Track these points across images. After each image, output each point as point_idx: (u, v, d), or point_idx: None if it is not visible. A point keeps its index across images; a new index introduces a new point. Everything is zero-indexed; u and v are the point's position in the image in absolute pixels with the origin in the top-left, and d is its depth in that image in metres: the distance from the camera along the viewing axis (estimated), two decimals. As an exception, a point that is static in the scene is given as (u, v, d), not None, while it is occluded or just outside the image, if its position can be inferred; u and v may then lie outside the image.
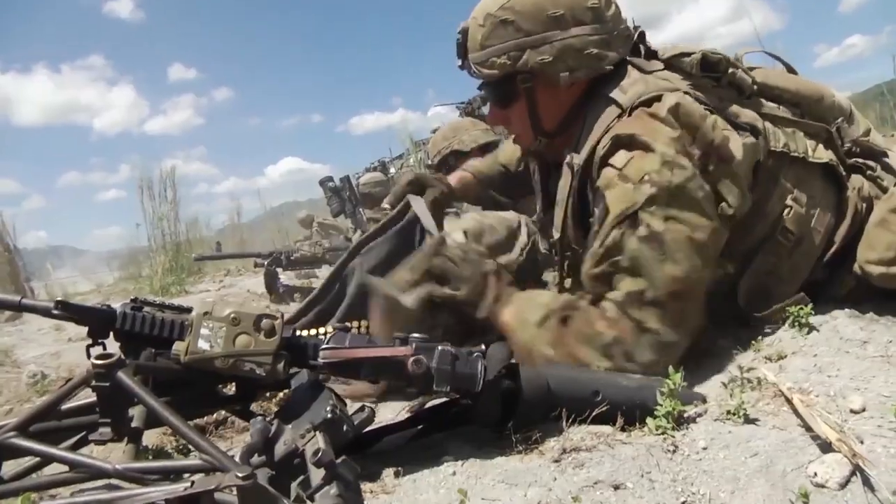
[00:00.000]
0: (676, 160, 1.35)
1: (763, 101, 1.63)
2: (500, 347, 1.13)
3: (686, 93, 1.47)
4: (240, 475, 0.88)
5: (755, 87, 1.59)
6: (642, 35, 1.65)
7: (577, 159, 1.52)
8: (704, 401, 1.18)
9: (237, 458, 0.96)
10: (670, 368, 1.10)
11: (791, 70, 1.81)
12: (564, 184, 1.58)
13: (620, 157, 1.40)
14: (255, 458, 1.02)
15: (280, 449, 1.03)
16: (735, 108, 1.54)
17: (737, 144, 1.43)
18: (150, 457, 1.26)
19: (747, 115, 1.53)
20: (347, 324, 1.84)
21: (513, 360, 1.14)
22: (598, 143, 1.47)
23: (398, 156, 7.58)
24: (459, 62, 1.68)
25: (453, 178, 2.13)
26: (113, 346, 1.13)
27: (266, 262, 3.24)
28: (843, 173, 1.61)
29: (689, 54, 1.54)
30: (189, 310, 1.18)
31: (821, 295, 1.56)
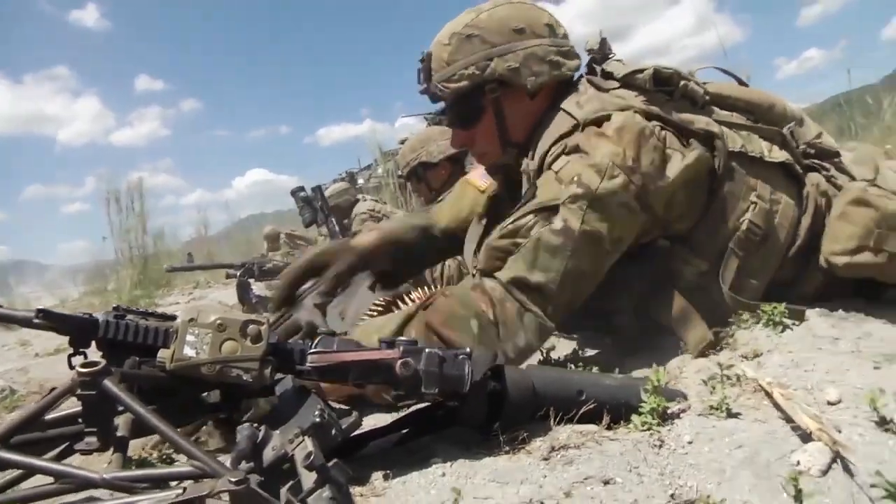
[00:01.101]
0: (609, 171, 1.43)
1: (716, 109, 1.71)
2: (484, 351, 1.14)
3: (639, 111, 1.53)
4: (233, 480, 0.88)
5: (707, 97, 1.68)
6: (596, 59, 1.75)
7: (533, 165, 1.61)
8: (685, 398, 1.20)
9: (230, 461, 0.96)
10: (654, 366, 1.12)
11: (742, 83, 1.89)
12: (524, 191, 1.63)
13: (560, 162, 1.51)
14: (244, 465, 1.02)
15: (269, 454, 1.03)
16: (689, 116, 1.60)
17: (676, 163, 1.51)
18: (133, 467, 1.24)
19: (701, 121, 1.59)
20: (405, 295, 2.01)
21: (499, 362, 1.15)
22: (548, 150, 1.56)
23: (366, 166, 7.60)
24: (422, 86, 1.75)
25: (364, 241, 1.88)
26: (94, 356, 1.13)
27: (238, 273, 3.22)
28: (801, 171, 1.68)
29: (641, 71, 1.61)
30: (173, 317, 1.17)
31: (791, 294, 1.61)
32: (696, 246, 1.58)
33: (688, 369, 1.44)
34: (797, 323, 1.48)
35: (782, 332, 1.46)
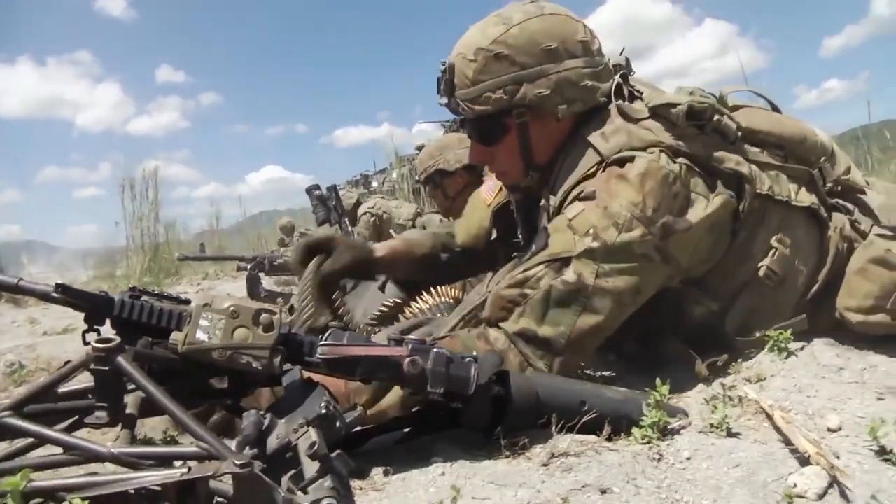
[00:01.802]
0: (626, 223, 1.37)
1: (747, 146, 1.63)
2: (491, 355, 1.16)
3: (666, 149, 1.46)
4: (237, 463, 0.89)
5: (740, 132, 1.58)
6: (624, 75, 1.65)
7: (554, 202, 1.54)
8: (686, 415, 1.21)
9: (235, 444, 0.98)
10: (657, 380, 1.13)
11: (775, 109, 1.85)
12: (542, 225, 1.58)
13: (575, 208, 1.44)
14: (248, 451, 1.04)
15: (273, 442, 1.04)
16: (719, 153, 1.53)
17: (699, 210, 1.44)
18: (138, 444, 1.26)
19: (731, 160, 1.53)
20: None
21: (503, 367, 1.17)
22: (571, 189, 1.50)
23: (381, 170, 7.63)
24: (444, 99, 1.66)
25: (383, 248, 1.93)
26: (108, 333, 1.15)
27: (249, 267, 3.22)
28: (826, 215, 1.64)
29: (675, 105, 1.50)
30: (187, 301, 1.19)
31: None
32: (709, 288, 1.54)
33: (691, 389, 1.45)
34: (802, 349, 1.49)
35: (787, 358, 1.46)
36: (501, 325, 1.38)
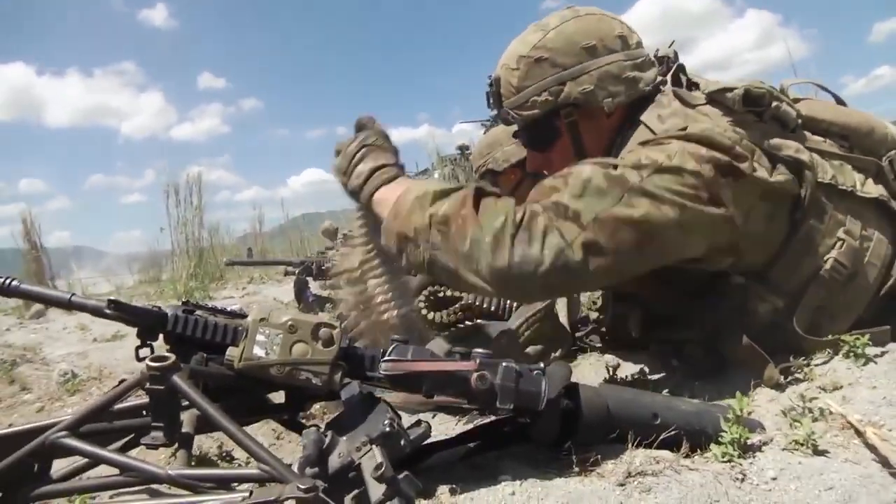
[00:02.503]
0: (679, 155, 1.33)
1: (808, 134, 1.58)
2: (560, 367, 1.11)
3: (724, 131, 1.41)
4: (301, 487, 0.86)
5: (800, 120, 1.53)
6: (681, 66, 1.64)
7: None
8: (764, 429, 1.14)
9: (297, 466, 0.94)
10: (737, 394, 1.07)
11: (840, 102, 1.78)
12: None
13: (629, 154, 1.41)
14: (309, 470, 1.00)
15: (335, 461, 1.01)
16: (777, 141, 1.46)
17: (760, 174, 1.38)
18: (193, 464, 1.24)
19: (790, 147, 1.46)
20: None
21: (573, 381, 1.11)
22: None
23: (423, 171, 7.59)
24: (493, 112, 1.72)
25: None
26: (160, 349, 1.13)
27: (297, 271, 3.20)
28: (894, 207, 1.56)
29: (731, 89, 1.46)
30: (242, 315, 1.16)
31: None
32: (773, 282, 1.47)
33: (759, 398, 1.38)
34: (881, 355, 1.40)
35: (864, 364, 1.38)
36: (541, 201, 1.34)
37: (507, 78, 1.62)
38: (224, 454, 1.34)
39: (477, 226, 1.29)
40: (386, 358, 1.05)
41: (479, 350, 1.04)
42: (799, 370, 1.44)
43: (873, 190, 1.55)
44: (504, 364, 1.02)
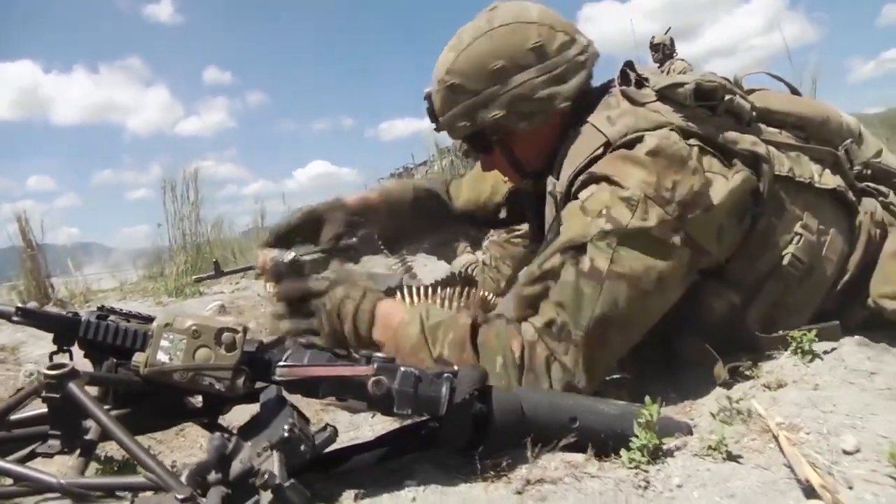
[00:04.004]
0: (642, 204, 1.28)
1: (763, 126, 1.55)
2: (471, 370, 1.08)
3: (676, 129, 1.38)
4: (179, 497, 0.85)
5: (754, 112, 1.52)
6: (628, 62, 1.59)
7: (559, 187, 1.46)
8: (690, 431, 1.11)
9: (185, 475, 0.93)
10: (647, 398, 1.03)
11: (795, 92, 1.76)
12: (549, 212, 1.53)
13: (586, 192, 1.36)
14: (213, 476, 0.98)
15: (236, 467, 0.99)
16: (732, 135, 1.44)
17: (719, 188, 1.35)
18: (115, 469, 1.23)
19: (746, 140, 1.44)
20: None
21: (488, 383, 1.08)
22: (578, 173, 1.40)
23: (422, 162, 7.57)
24: (434, 126, 1.66)
25: (354, 197, 1.84)
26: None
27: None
28: (853, 199, 1.54)
29: (682, 84, 1.44)
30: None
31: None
32: (730, 278, 1.44)
33: (709, 397, 1.34)
34: (829, 351, 1.36)
35: (811, 361, 1.34)
36: (530, 319, 1.31)
37: (434, 99, 1.60)
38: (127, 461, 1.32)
39: (490, 359, 1.28)
40: (282, 363, 1.03)
41: (379, 354, 1.01)
42: (748, 369, 1.40)
43: (830, 181, 1.52)
44: (403, 368, 1.00)
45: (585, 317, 1.26)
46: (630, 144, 1.36)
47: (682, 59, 4.93)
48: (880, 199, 1.57)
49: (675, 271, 1.32)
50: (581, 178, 1.39)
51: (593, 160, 1.39)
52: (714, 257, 1.38)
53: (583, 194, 1.36)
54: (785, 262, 1.44)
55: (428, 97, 1.61)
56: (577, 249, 1.29)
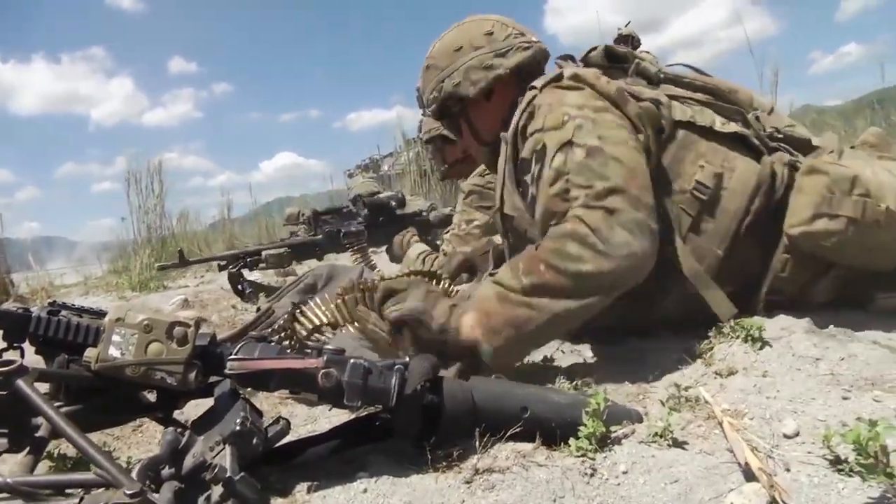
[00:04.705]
0: (588, 102, 1.55)
1: (671, 87, 1.74)
2: (422, 360, 1.09)
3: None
4: (128, 493, 0.85)
5: (662, 75, 1.76)
6: (568, 55, 1.90)
7: (507, 134, 1.71)
8: (640, 419, 1.13)
9: (136, 471, 0.93)
10: (595, 387, 1.05)
11: (706, 75, 1.91)
12: (501, 158, 1.75)
13: (538, 121, 1.59)
14: (165, 471, 0.99)
15: (189, 462, 0.99)
16: (638, 88, 1.67)
17: (632, 104, 1.58)
18: (68, 466, 1.22)
19: (648, 92, 1.65)
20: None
21: (440, 374, 1.10)
22: (520, 116, 1.66)
23: (389, 153, 7.56)
24: (422, 111, 2.14)
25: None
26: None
27: (228, 266, 3.07)
28: (758, 143, 1.65)
29: (595, 48, 1.81)
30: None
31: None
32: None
33: (660, 383, 1.37)
34: (779, 338, 1.40)
35: (761, 348, 1.37)
36: (571, 208, 1.44)
37: (420, 82, 2.02)
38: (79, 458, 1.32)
39: (563, 269, 1.36)
40: (232, 356, 1.03)
41: (330, 347, 1.02)
42: (700, 355, 1.44)
43: (732, 127, 1.65)
44: (352, 361, 1.01)
45: (610, 172, 1.42)
46: (555, 80, 1.66)
47: (648, 52, 4.98)
48: (789, 158, 1.62)
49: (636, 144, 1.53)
50: (525, 113, 1.65)
51: (531, 101, 1.66)
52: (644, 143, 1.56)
53: (536, 124, 1.60)
54: (691, 186, 1.56)
55: (417, 90, 2.05)
56: (566, 145, 1.49)
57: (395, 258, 3.27)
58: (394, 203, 3.33)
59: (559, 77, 1.65)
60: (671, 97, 1.66)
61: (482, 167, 2.82)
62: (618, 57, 1.77)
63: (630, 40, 5.52)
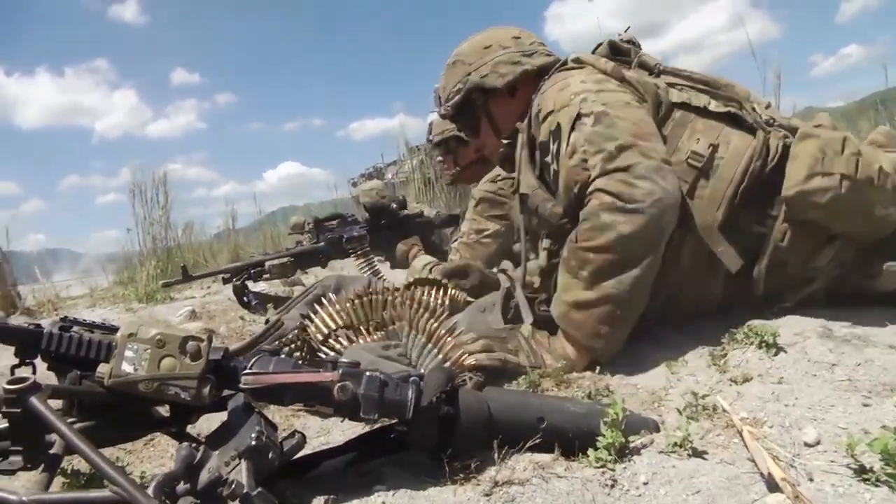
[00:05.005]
0: (589, 77, 1.73)
1: (671, 77, 1.85)
2: (438, 372, 1.08)
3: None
4: (145, 510, 0.84)
5: (660, 67, 1.87)
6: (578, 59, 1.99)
7: (523, 125, 1.88)
8: (657, 428, 1.12)
9: (152, 487, 0.92)
10: (613, 398, 1.04)
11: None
12: (518, 145, 1.90)
13: (549, 103, 1.73)
14: (181, 487, 0.98)
15: (204, 477, 0.98)
16: (638, 75, 1.80)
17: (632, 75, 1.77)
18: (82, 483, 1.21)
19: (650, 80, 1.77)
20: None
21: (452, 385, 1.08)
22: (534, 104, 1.81)
23: (392, 161, 7.56)
24: (438, 111, 2.27)
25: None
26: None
27: (232, 279, 3.04)
28: (751, 121, 1.71)
29: (601, 44, 1.95)
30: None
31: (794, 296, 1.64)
32: None
33: (675, 390, 1.36)
34: (793, 344, 1.39)
35: (776, 355, 1.37)
36: (591, 183, 1.54)
37: (441, 85, 2.18)
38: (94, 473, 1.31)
39: (602, 242, 1.49)
40: (247, 371, 1.02)
41: (345, 360, 1.01)
42: (717, 358, 1.43)
43: (726, 107, 1.73)
44: (368, 373, 1.00)
45: (619, 130, 1.55)
46: (563, 65, 1.90)
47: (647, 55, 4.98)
48: (784, 133, 1.69)
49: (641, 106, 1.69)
50: (537, 100, 1.80)
51: (541, 90, 1.83)
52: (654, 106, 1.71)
53: (547, 106, 1.74)
54: (686, 156, 1.65)
55: (435, 90, 2.22)
56: (577, 120, 1.62)
57: (398, 265, 3.25)
58: (395, 205, 3.31)
59: (564, 63, 1.89)
60: (669, 84, 1.78)
61: (493, 173, 2.84)
62: (621, 51, 1.92)
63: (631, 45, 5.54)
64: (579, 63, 1.85)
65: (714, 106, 1.72)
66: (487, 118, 2.11)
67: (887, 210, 1.49)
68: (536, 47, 2.06)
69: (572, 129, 1.62)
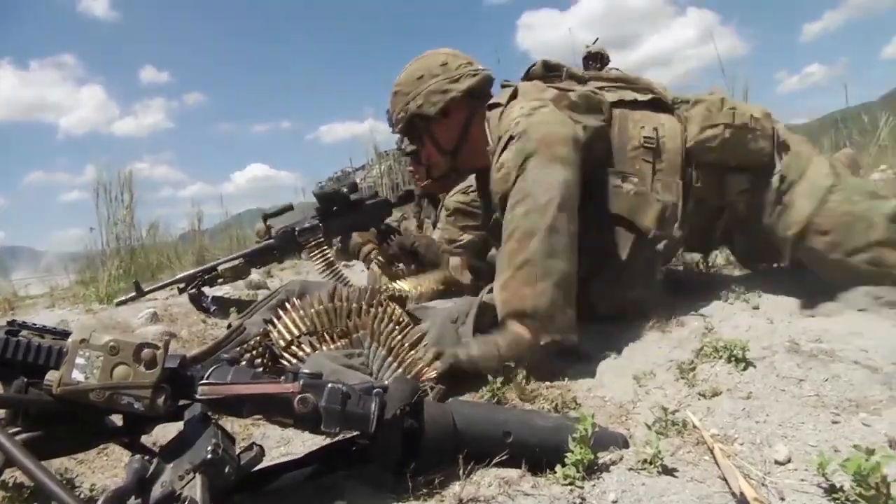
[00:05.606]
0: (531, 104, 1.87)
1: (596, 83, 2.20)
2: (402, 384, 1.05)
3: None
4: (90, 528, 0.79)
5: (586, 76, 2.25)
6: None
7: (491, 147, 1.99)
8: (626, 443, 1.10)
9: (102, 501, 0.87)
10: (582, 413, 1.02)
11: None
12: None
13: (502, 129, 1.89)
14: (132, 502, 0.93)
15: (157, 492, 0.93)
16: (570, 85, 2.13)
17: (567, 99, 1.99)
18: (24, 497, 1.15)
19: (582, 89, 2.07)
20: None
21: (416, 397, 1.05)
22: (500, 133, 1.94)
23: (361, 166, 7.52)
24: (392, 130, 2.47)
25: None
26: None
27: (185, 288, 2.94)
28: (671, 104, 2.16)
29: (534, 64, 2.27)
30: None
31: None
32: (617, 164, 2.01)
33: (643, 403, 1.34)
34: (763, 358, 1.38)
35: (744, 369, 1.36)
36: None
37: (390, 107, 2.38)
38: (65, 481, 1.25)
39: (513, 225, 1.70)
40: (204, 381, 0.98)
41: (306, 371, 0.97)
42: (683, 375, 1.42)
43: (649, 96, 2.16)
44: (330, 385, 0.96)
45: (533, 136, 1.76)
46: (513, 96, 2.06)
47: (617, 69, 5.02)
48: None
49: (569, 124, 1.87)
50: (497, 128, 1.98)
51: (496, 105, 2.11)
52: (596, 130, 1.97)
53: (501, 131, 1.91)
54: (640, 142, 2.04)
55: (387, 112, 2.41)
56: (510, 140, 1.82)
57: (352, 256, 3.10)
58: (345, 189, 3.07)
59: (515, 93, 2.06)
60: (599, 88, 2.13)
61: (465, 184, 2.84)
62: (552, 67, 2.25)
63: (599, 57, 5.57)
64: (520, 93, 2.05)
65: (640, 97, 2.14)
66: (430, 138, 2.33)
67: (759, 144, 2.01)
68: (462, 70, 2.28)
69: (504, 148, 1.83)
